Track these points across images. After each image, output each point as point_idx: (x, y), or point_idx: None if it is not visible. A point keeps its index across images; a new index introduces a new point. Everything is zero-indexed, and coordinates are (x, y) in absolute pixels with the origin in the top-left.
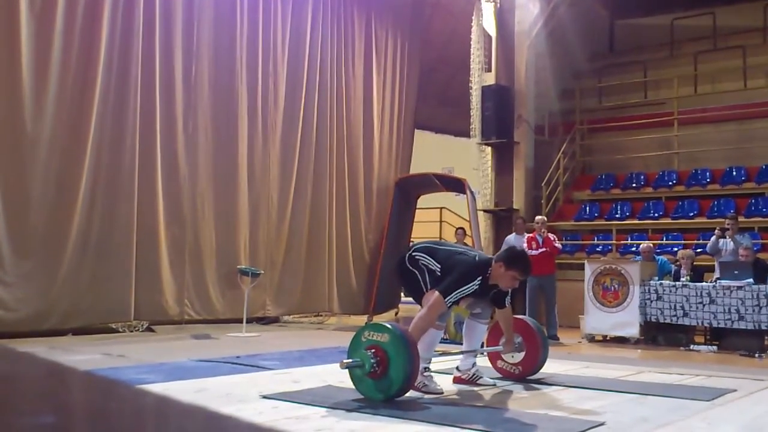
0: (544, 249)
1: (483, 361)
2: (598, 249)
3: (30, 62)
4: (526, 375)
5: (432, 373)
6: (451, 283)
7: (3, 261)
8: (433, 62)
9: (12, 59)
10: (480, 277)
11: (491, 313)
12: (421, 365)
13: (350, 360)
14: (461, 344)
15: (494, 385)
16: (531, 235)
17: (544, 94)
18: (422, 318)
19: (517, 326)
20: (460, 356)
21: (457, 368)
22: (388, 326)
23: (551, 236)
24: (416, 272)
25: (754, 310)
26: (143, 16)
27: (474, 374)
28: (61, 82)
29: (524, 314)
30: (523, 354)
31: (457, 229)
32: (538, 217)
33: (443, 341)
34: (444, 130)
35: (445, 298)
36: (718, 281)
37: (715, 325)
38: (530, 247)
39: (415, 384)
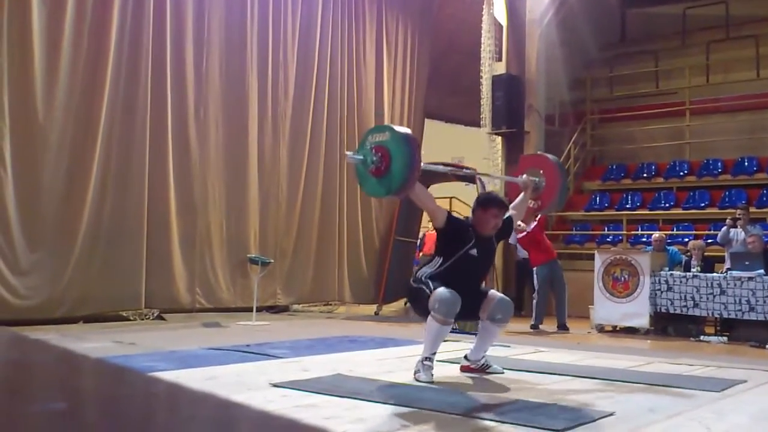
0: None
1: (493, 351)
2: (608, 239)
3: (41, 52)
4: (546, 209)
5: (432, 365)
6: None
7: (15, 249)
8: (444, 51)
9: (24, 49)
10: (466, 221)
11: (509, 318)
12: (423, 355)
13: (352, 153)
14: (469, 334)
15: (503, 373)
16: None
17: (554, 84)
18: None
19: (534, 161)
20: (470, 346)
21: (465, 357)
22: (390, 126)
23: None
24: (423, 287)
25: (764, 301)
26: (153, 4)
27: (483, 363)
28: (72, 72)
29: (533, 303)
30: (542, 187)
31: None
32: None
33: (453, 331)
34: (454, 119)
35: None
36: (728, 272)
37: (725, 315)
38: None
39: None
